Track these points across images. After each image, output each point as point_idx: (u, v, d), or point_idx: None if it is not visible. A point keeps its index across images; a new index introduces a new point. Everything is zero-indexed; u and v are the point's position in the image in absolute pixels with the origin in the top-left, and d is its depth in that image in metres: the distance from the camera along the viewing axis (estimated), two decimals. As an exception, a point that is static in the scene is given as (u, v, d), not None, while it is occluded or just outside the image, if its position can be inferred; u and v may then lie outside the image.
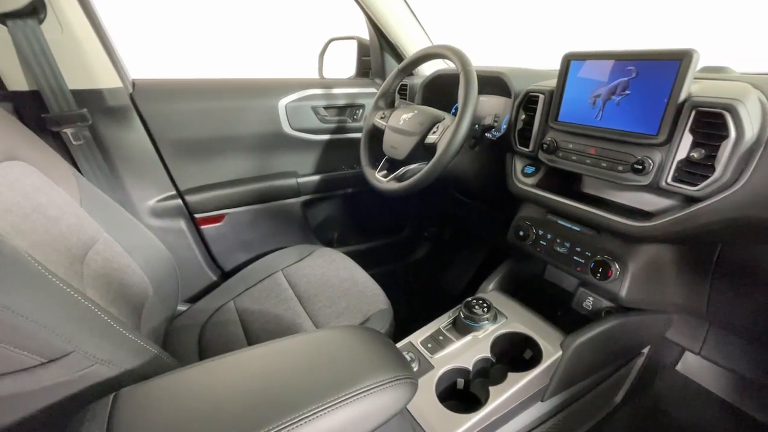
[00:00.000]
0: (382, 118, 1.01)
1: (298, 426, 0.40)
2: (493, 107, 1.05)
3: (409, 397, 0.49)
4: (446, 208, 1.45)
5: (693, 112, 0.56)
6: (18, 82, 0.80)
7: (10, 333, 0.40)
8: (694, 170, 0.57)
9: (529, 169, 0.85)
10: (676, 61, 0.57)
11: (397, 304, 0.93)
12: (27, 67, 0.78)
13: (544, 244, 0.81)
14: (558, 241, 0.78)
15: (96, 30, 0.85)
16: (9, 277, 0.41)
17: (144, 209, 1.02)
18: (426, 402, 0.63)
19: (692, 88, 0.59)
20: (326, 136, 1.25)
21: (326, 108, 1.22)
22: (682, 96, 0.57)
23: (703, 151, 0.56)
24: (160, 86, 1.00)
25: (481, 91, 1.09)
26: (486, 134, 0.97)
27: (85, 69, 0.85)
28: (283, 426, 0.40)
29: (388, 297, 0.90)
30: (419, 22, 1.20)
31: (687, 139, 0.57)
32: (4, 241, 0.42)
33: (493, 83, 0.97)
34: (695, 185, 0.56)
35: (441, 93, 1.12)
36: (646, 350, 0.85)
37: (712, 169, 0.55)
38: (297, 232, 1.28)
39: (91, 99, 0.86)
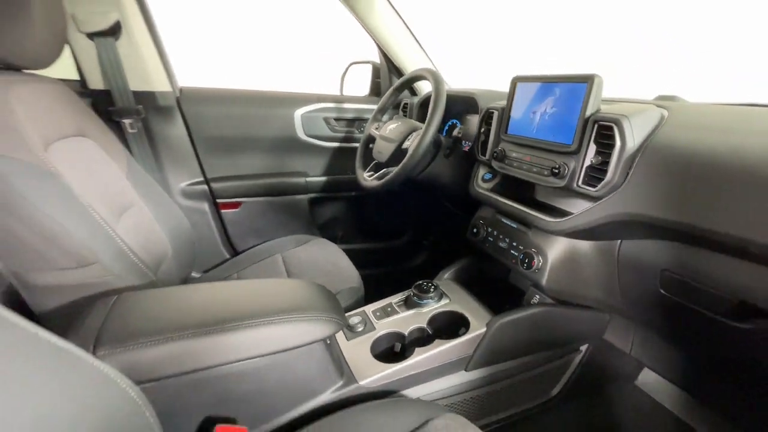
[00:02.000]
0: (377, 128, 1.18)
1: (238, 330, 0.56)
2: (475, 124, 1.18)
3: (329, 332, 0.62)
4: (443, 218, 1.57)
5: (595, 126, 0.67)
6: (96, 82, 1.06)
7: (53, 237, 0.60)
8: (595, 174, 0.67)
9: (488, 176, 0.96)
10: (585, 83, 0.68)
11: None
12: (103, 73, 1.04)
13: (492, 240, 0.91)
14: (501, 237, 0.89)
15: (157, 48, 1.11)
16: (59, 201, 0.62)
17: (176, 190, 1.25)
18: (359, 351, 0.76)
19: (606, 107, 0.70)
20: (335, 144, 1.43)
21: (336, 120, 1.41)
22: (589, 112, 0.68)
23: (600, 157, 0.66)
24: (200, 93, 1.24)
25: (468, 111, 1.23)
26: (461, 145, 1.10)
27: (145, 76, 1.10)
28: (226, 326, 0.55)
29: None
30: (422, 48, 1.38)
31: (592, 148, 0.68)
32: (60, 178, 0.63)
33: (473, 103, 1.10)
34: (595, 187, 0.66)
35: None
36: (583, 348, 0.91)
37: (606, 173, 0.65)
38: (302, 224, 1.46)
39: (146, 99, 1.12)
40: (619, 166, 0.63)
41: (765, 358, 0.57)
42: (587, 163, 0.69)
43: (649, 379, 1.02)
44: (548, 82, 0.76)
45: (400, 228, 1.67)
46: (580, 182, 0.70)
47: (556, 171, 0.72)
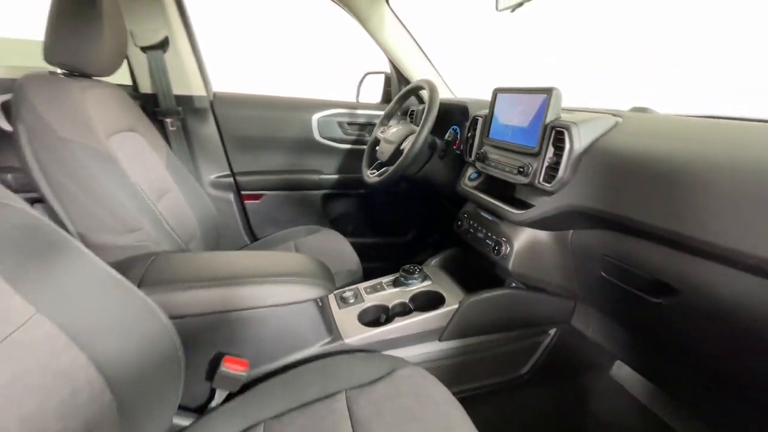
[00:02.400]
0: (382, 132, 1.32)
1: (246, 285, 0.71)
2: (469, 130, 1.30)
3: (319, 294, 0.76)
4: (441, 215, 1.68)
5: (553, 131, 0.78)
6: (146, 87, 1.26)
7: (110, 206, 0.77)
8: (551, 173, 0.78)
9: (474, 175, 1.08)
10: (546, 95, 0.80)
11: None
12: (152, 79, 1.24)
13: (472, 231, 1.03)
14: (479, 228, 1.00)
15: (196, 58, 1.30)
16: (117, 179, 0.79)
17: (207, 181, 1.43)
18: (348, 317, 0.89)
19: (566, 116, 0.81)
20: (347, 146, 1.58)
21: (349, 124, 1.57)
22: (549, 119, 0.79)
23: (554, 158, 0.77)
24: (231, 97, 1.43)
25: (466, 118, 1.35)
26: (455, 148, 1.23)
27: (185, 82, 1.30)
28: (237, 281, 0.70)
29: None
30: (429, 60, 1.51)
31: (550, 150, 0.79)
32: (117, 162, 0.81)
33: (466, 111, 1.23)
34: (551, 183, 0.77)
35: (438, 117, 1.39)
36: (552, 332, 1.00)
37: (558, 171, 0.76)
38: (315, 216, 1.61)
39: (185, 101, 1.31)
40: (569, 165, 0.74)
41: (675, 330, 0.66)
42: (546, 163, 0.80)
43: (622, 371, 1.09)
44: (520, 93, 0.88)
45: (406, 226, 1.79)
46: (540, 179, 0.81)
47: (522, 170, 0.83)
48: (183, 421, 0.69)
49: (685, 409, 0.94)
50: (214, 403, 0.72)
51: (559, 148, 0.76)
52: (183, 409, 0.73)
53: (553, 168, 0.78)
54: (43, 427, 0.43)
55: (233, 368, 0.69)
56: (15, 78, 1.19)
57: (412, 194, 1.72)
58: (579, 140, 0.73)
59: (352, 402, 0.65)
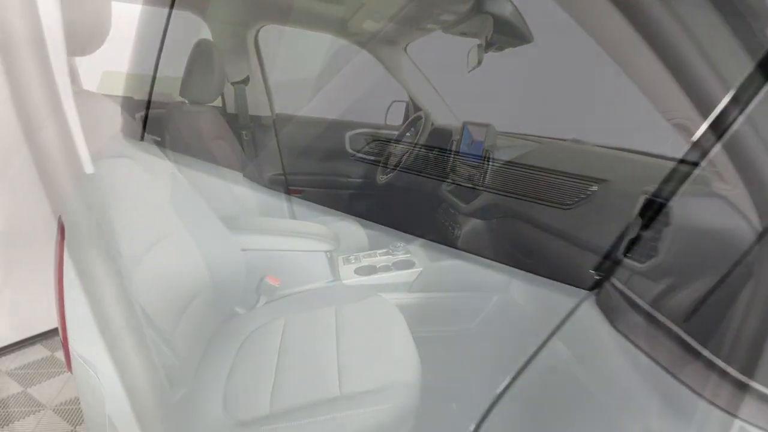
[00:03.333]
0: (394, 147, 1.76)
1: (282, 236, 1.17)
2: (460, 149, 1.70)
3: (325, 248, 1.20)
4: None
5: (486, 152, 1.17)
6: (231, 109, 1.81)
7: (210, 182, 1.27)
8: (484, 180, 1.16)
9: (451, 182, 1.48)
10: (486, 127, 1.19)
11: None
12: (236, 104, 1.78)
13: (443, 220, 1.42)
14: (447, 218, 1.40)
15: (266, 90, 1.84)
16: (212, 167, 1.30)
17: (266, 177, 1.95)
18: (348, 269, 1.32)
19: (499, 141, 1.19)
20: (371, 157, 2.04)
21: (373, 140, 2.02)
22: (486, 144, 1.18)
23: (486, 170, 1.16)
24: (287, 117, 1.95)
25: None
26: None
27: (257, 106, 1.83)
28: (276, 231, 1.17)
29: None
30: (438, 92, 1.93)
31: (486, 165, 1.17)
32: (215, 158, 1.32)
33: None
34: (483, 187, 1.16)
35: (441, 139, 1.80)
36: (495, 298, 1.35)
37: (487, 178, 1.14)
38: (342, 210, 2.07)
39: (256, 119, 1.84)
40: (490, 174, 1.12)
41: None
42: (483, 174, 1.18)
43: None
44: (475, 125, 1.28)
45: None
46: (480, 184, 1.19)
47: (471, 178, 1.23)
48: (240, 311, 1.16)
49: None
50: (258, 305, 1.18)
51: (488, 164, 1.15)
52: (239, 306, 1.20)
53: (485, 177, 1.16)
54: (185, 277, 0.91)
55: (272, 281, 1.14)
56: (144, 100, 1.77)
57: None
58: (498, 158, 1.12)
59: (338, 311, 1.08)
